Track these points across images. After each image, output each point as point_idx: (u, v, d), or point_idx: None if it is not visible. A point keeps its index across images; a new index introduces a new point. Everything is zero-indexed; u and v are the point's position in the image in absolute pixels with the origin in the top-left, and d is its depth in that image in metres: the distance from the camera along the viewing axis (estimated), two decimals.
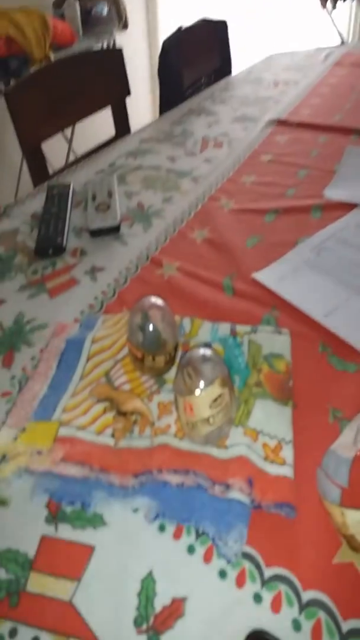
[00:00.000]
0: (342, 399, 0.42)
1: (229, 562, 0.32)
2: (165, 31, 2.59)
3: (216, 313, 0.53)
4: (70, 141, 1.96)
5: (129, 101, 1.29)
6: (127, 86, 1.26)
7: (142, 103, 2.94)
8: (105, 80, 1.21)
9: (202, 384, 0.37)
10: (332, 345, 0.48)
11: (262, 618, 0.29)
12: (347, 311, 0.52)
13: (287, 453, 0.37)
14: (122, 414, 0.40)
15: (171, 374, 0.45)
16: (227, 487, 0.35)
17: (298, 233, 0.68)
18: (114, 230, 0.68)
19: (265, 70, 1.64)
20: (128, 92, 1.27)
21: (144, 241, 0.67)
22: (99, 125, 1.42)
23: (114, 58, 1.25)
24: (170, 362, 0.44)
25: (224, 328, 0.50)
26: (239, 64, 1.79)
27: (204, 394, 0.37)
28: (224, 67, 1.76)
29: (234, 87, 1.44)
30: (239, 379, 0.44)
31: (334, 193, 0.76)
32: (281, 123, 1.10)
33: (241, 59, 1.93)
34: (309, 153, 0.94)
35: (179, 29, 1.47)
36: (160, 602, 0.30)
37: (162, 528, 0.33)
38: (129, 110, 1.29)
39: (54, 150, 1.82)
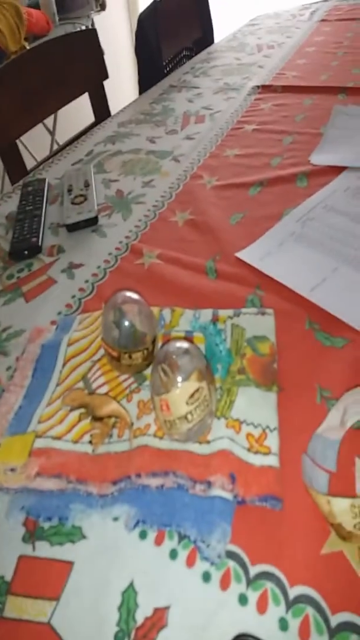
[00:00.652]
0: (330, 376, 0.40)
1: (212, 564, 0.30)
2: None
3: (199, 299, 0.51)
4: (52, 132, 1.91)
5: (113, 86, 1.25)
6: (104, 69, 1.21)
7: (127, 86, 2.86)
8: (80, 65, 1.16)
9: (177, 379, 0.35)
10: (319, 320, 0.45)
11: (248, 620, 0.28)
12: (335, 283, 0.49)
13: (272, 441, 0.35)
14: (98, 419, 0.38)
15: (151, 369, 0.43)
16: (209, 484, 0.33)
17: (284, 204, 0.64)
18: (92, 222, 0.66)
19: (249, 35, 1.56)
20: (105, 76, 1.23)
21: (123, 230, 0.64)
22: (82, 113, 1.37)
23: (88, 39, 1.20)
24: (149, 357, 0.42)
25: (206, 314, 0.48)
26: (222, 30, 1.71)
27: (179, 390, 0.35)
28: (205, 37, 1.68)
29: (215, 56, 1.38)
30: (221, 368, 0.42)
31: (320, 158, 0.72)
32: (265, 89, 1.05)
33: (225, 24, 1.84)
34: (294, 118, 0.89)
35: (155, 0, 1.40)
36: (142, 613, 0.29)
37: (143, 535, 0.32)
38: (113, 95, 1.24)
39: (38, 143, 1.78)
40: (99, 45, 1.22)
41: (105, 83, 1.23)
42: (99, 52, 1.22)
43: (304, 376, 0.41)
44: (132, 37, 3.03)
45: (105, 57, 1.23)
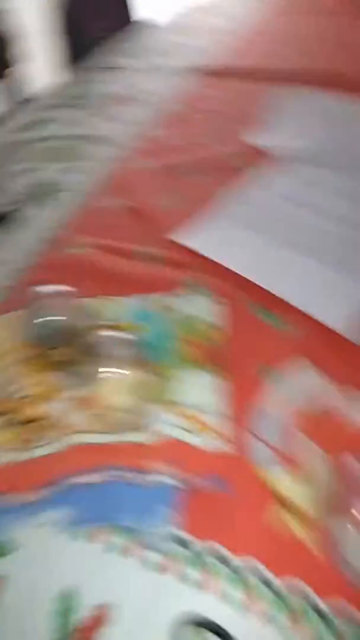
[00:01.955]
0: (273, 355, 0.41)
1: (152, 550, 0.29)
2: None
3: (135, 286, 0.49)
4: None
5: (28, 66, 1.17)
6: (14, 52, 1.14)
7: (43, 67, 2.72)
8: None
9: (112, 369, 0.34)
10: (261, 300, 0.45)
11: (192, 599, 0.28)
12: (273, 263, 0.49)
13: (218, 424, 0.35)
14: (24, 423, 0.36)
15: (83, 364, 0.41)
16: (151, 472, 0.33)
17: (218, 185, 0.63)
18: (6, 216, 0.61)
19: (184, 16, 1.51)
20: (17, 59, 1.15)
21: (48, 221, 0.61)
22: None
23: None
24: (79, 351, 0.40)
25: (144, 301, 0.46)
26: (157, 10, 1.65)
27: (114, 380, 0.33)
28: (130, 18, 1.62)
29: (146, 36, 1.33)
30: (162, 354, 0.40)
31: (254, 138, 0.71)
32: (198, 71, 1.02)
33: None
34: (227, 100, 0.87)
35: None
36: (82, 615, 0.28)
37: (77, 535, 0.31)
38: (28, 77, 1.17)
39: None
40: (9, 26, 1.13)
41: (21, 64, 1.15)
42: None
43: (248, 358, 0.41)
44: (49, 14, 2.89)
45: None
